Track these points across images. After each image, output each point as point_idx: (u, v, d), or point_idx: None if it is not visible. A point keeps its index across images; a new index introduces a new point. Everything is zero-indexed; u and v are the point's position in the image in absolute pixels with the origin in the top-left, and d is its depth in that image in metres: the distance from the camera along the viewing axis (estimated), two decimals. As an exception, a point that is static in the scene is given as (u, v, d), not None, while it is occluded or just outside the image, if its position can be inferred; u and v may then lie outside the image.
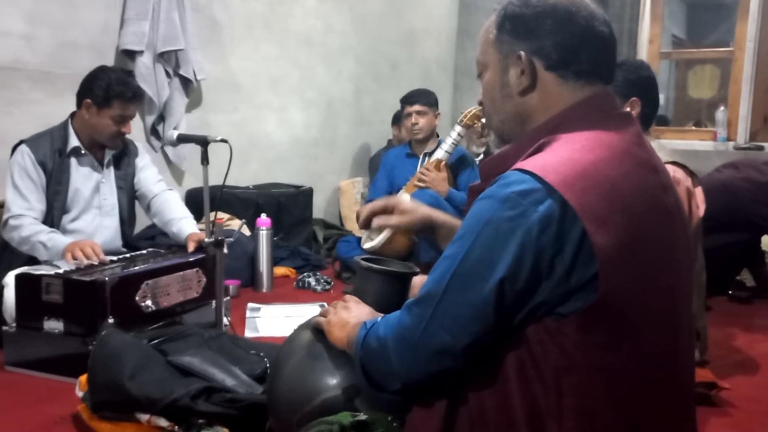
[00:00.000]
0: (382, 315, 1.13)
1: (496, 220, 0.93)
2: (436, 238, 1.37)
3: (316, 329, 1.30)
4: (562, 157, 0.96)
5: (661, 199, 1.01)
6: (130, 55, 3.22)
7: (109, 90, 2.43)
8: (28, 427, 1.77)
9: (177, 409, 1.56)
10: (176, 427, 1.57)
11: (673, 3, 7.51)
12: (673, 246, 1.02)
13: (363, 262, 1.34)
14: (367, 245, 1.50)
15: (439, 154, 3.43)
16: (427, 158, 3.58)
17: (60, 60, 2.99)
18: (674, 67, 6.92)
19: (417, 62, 5.37)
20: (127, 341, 1.76)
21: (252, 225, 3.40)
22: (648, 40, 4.74)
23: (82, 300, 2.07)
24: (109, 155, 2.62)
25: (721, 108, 4.52)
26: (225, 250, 2.20)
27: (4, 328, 2.17)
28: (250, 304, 2.99)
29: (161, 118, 3.42)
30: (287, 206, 3.87)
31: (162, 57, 3.29)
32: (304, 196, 4.05)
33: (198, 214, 2.79)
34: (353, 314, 1.21)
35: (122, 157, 2.68)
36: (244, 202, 3.69)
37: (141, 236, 3.07)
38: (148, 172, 2.74)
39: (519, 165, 0.98)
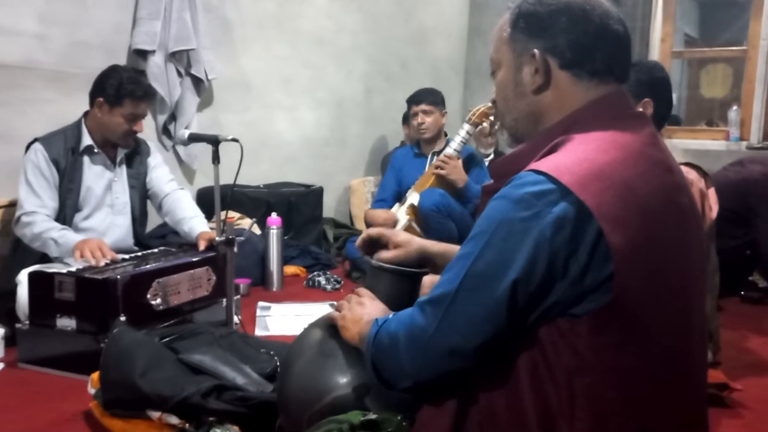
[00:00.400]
0: (394, 313, 1.13)
1: (510, 221, 0.93)
2: (433, 268, 1.36)
3: (330, 324, 1.30)
4: (577, 158, 0.95)
5: (676, 199, 1.01)
6: (142, 54, 3.24)
7: (121, 89, 2.46)
8: (41, 424, 1.78)
9: (188, 406, 1.57)
10: (187, 424, 1.58)
11: (686, 1, 7.46)
12: (687, 247, 1.01)
13: (373, 261, 1.34)
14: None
15: (449, 152, 3.42)
16: (435, 157, 3.57)
17: (72, 59, 3.01)
18: (686, 66, 6.88)
19: (427, 61, 5.36)
20: (138, 339, 1.77)
21: (262, 224, 3.41)
22: (660, 39, 4.70)
23: (94, 298, 2.08)
24: (121, 154, 2.64)
25: (734, 107, 4.49)
26: (235, 249, 2.21)
27: (18, 325, 2.19)
28: (261, 303, 3.00)
29: (173, 117, 3.44)
30: (298, 205, 3.88)
31: (174, 56, 3.31)
32: (315, 195, 4.05)
33: (209, 213, 2.79)
34: (367, 310, 1.22)
35: (134, 156, 2.70)
36: (255, 201, 3.70)
37: (152, 235, 3.08)
38: (160, 172, 2.76)
39: (533, 165, 0.97)
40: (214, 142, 2.20)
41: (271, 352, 1.87)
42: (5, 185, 2.70)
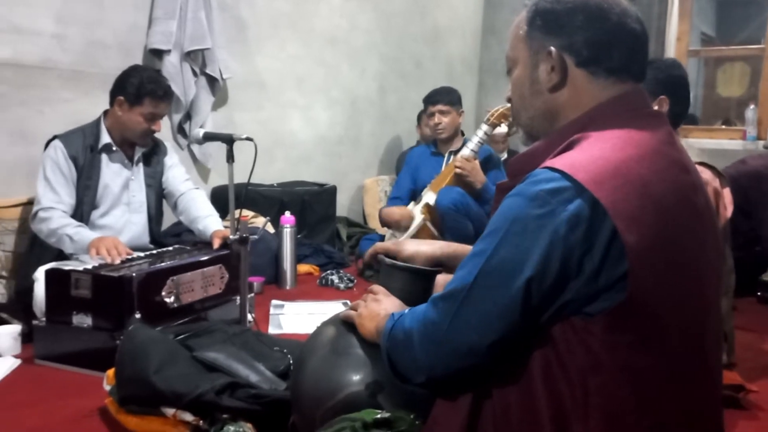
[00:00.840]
0: (410, 308, 1.13)
1: (524, 218, 0.93)
2: (447, 270, 1.36)
3: (343, 322, 1.31)
4: (592, 156, 0.95)
5: (692, 198, 1.00)
6: (158, 54, 3.26)
7: (141, 88, 2.49)
8: (57, 420, 1.80)
9: (202, 403, 1.58)
10: (201, 421, 1.59)
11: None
12: (702, 246, 1.00)
13: (387, 260, 1.35)
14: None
15: (466, 152, 3.41)
16: (452, 156, 3.57)
17: (89, 59, 3.04)
18: (703, 65, 6.82)
19: (441, 60, 5.36)
20: (153, 336, 1.78)
21: (276, 222, 3.42)
22: (676, 38, 4.67)
23: (110, 295, 2.09)
24: (139, 153, 2.67)
25: (751, 106, 4.44)
26: (249, 248, 2.22)
27: (34, 322, 2.21)
28: (274, 301, 3.01)
29: (188, 116, 3.46)
30: (311, 204, 3.89)
31: (189, 56, 3.33)
32: (328, 194, 4.06)
33: (223, 212, 2.82)
34: (383, 306, 1.23)
35: (152, 156, 2.72)
36: (269, 200, 3.72)
37: (168, 233, 3.10)
38: (176, 171, 2.79)
39: (548, 163, 0.97)
40: (229, 141, 2.22)
41: (285, 350, 1.88)
42: (23, 183, 2.73)
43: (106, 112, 2.61)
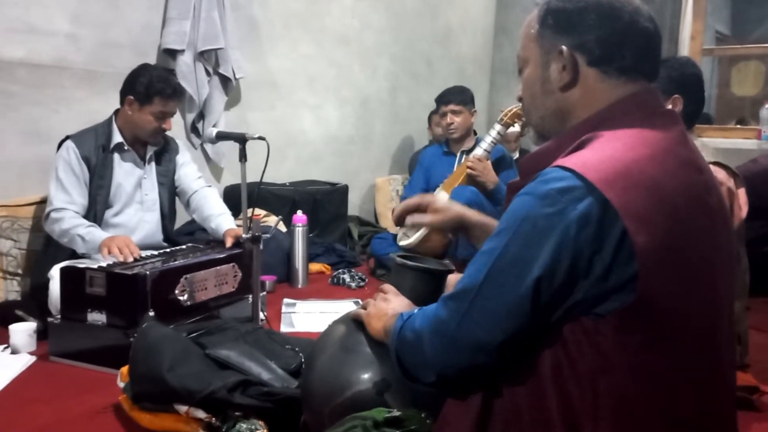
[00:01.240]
0: (419, 307, 1.14)
1: (534, 217, 0.93)
2: (470, 237, 1.37)
3: (355, 320, 1.31)
4: (604, 155, 0.95)
5: (705, 199, 0.99)
6: (172, 54, 3.28)
7: (150, 87, 2.50)
8: (71, 416, 1.81)
9: (214, 401, 1.59)
10: (213, 419, 1.60)
11: (717, -3, 7.33)
12: (715, 247, 1.00)
13: (398, 259, 1.35)
14: (402, 242, 1.51)
15: (478, 152, 3.40)
16: (464, 156, 3.57)
17: (103, 59, 3.06)
18: (717, 64, 6.75)
19: (453, 60, 5.35)
20: (166, 334, 1.80)
21: (288, 221, 3.43)
22: (690, 37, 4.63)
23: (124, 293, 2.11)
24: (151, 151, 2.69)
25: (766, 105, 4.39)
26: (261, 246, 2.23)
27: (50, 319, 2.23)
28: (286, 300, 3.02)
29: (201, 115, 3.48)
30: (323, 203, 3.90)
31: (202, 56, 3.34)
32: (340, 193, 4.07)
33: (235, 211, 2.83)
34: (392, 305, 1.24)
35: (163, 154, 2.74)
36: (281, 199, 3.73)
37: (181, 232, 3.12)
38: (188, 169, 2.80)
39: (559, 162, 0.97)
40: (241, 140, 2.23)
41: (296, 349, 1.88)
42: (38, 182, 2.76)
43: (117, 112, 2.63)
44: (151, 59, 3.20)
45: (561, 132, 1.08)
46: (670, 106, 1.94)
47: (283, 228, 3.50)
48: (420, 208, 1.39)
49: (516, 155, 4.34)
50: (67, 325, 2.18)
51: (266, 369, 1.74)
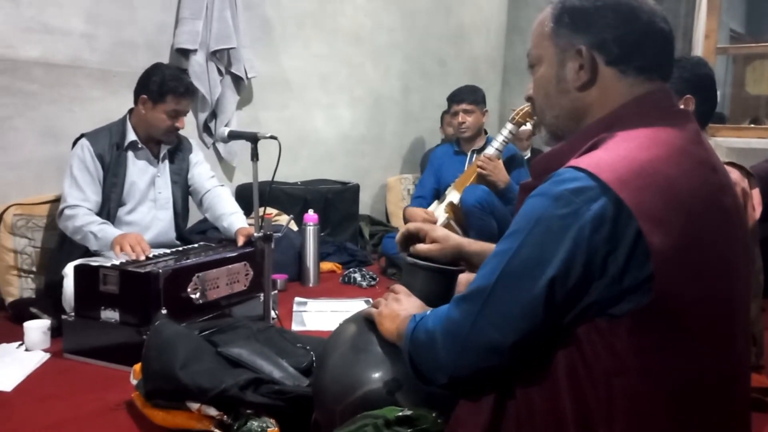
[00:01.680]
0: (431, 309, 1.13)
1: (548, 218, 0.92)
2: (469, 267, 1.36)
3: (367, 319, 1.31)
4: (618, 155, 0.94)
5: (720, 199, 0.98)
6: (185, 53, 3.30)
7: (163, 85, 2.53)
8: (85, 413, 1.82)
9: (226, 398, 1.59)
10: (225, 416, 1.60)
11: (732, -4, 7.27)
12: (730, 248, 0.99)
13: (409, 258, 1.35)
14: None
15: (490, 151, 3.39)
16: (475, 155, 3.56)
17: (118, 58, 3.09)
18: (731, 63, 6.69)
19: (465, 59, 5.34)
20: (179, 332, 1.81)
21: (299, 220, 3.44)
22: (704, 35, 4.59)
23: (137, 291, 2.12)
24: (164, 150, 2.71)
25: (782, 105, 4.36)
26: (273, 245, 2.24)
27: (64, 317, 2.25)
28: (297, 299, 3.03)
29: (213, 115, 3.50)
30: (334, 202, 3.91)
31: (215, 55, 3.36)
32: (351, 192, 4.07)
33: (247, 209, 2.84)
34: (404, 306, 1.23)
35: (177, 153, 2.76)
36: (292, 198, 3.74)
37: (193, 230, 3.14)
38: (202, 168, 2.82)
39: (573, 162, 0.96)
40: (253, 139, 2.24)
41: (307, 347, 1.89)
42: (53, 181, 2.79)
43: (131, 111, 2.66)
44: (165, 59, 3.22)
45: (575, 132, 1.08)
46: (682, 107, 1.93)
47: (294, 227, 3.50)
48: (419, 236, 1.39)
49: (527, 154, 4.33)
50: (80, 323, 2.20)
51: (278, 367, 1.74)
